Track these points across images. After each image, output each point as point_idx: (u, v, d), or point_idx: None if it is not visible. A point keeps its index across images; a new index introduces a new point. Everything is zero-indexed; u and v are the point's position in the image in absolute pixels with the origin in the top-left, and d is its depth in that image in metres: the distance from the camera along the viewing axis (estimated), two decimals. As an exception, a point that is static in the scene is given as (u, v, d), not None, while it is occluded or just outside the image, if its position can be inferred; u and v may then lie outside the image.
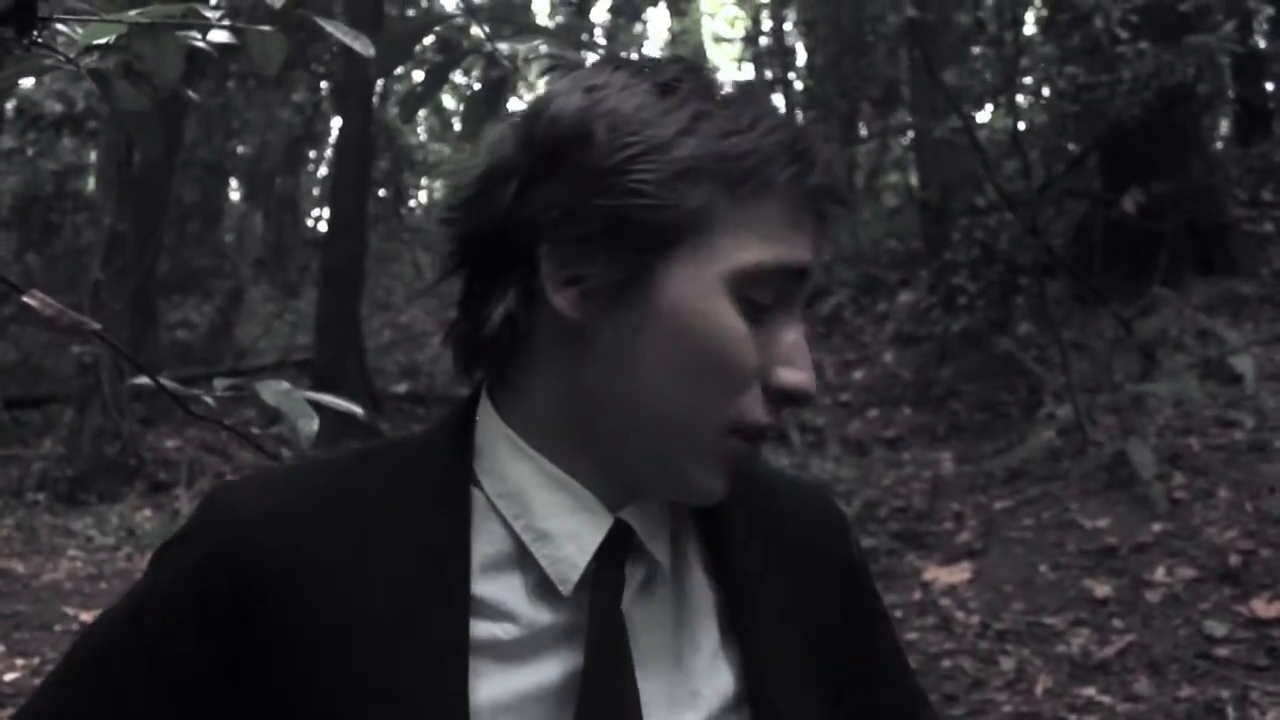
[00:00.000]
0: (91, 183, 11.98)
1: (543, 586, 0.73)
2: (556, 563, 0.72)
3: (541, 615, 0.73)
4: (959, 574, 4.65)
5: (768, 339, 0.71)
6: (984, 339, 7.32)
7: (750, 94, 0.72)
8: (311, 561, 0.70)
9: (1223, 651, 3.55)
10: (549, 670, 0.72)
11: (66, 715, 0.73)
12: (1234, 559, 4.01)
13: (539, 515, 0.73)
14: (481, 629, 0.71)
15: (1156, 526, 4.44)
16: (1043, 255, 6.49)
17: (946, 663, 3.91)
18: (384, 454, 0.77)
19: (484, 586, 0.72)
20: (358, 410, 1.17)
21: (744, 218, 0.69)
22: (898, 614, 4.38)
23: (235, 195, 18.94)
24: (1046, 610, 4.14)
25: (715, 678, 0.77)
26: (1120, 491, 4.84)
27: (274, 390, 1.10)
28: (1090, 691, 3.53)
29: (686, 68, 0.73)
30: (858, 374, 8.64)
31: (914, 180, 11.07)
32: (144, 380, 1.06)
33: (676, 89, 0.70)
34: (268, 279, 15.75)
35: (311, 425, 1.08)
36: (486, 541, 0.73)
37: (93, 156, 11.59)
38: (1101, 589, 4.14)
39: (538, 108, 0.72)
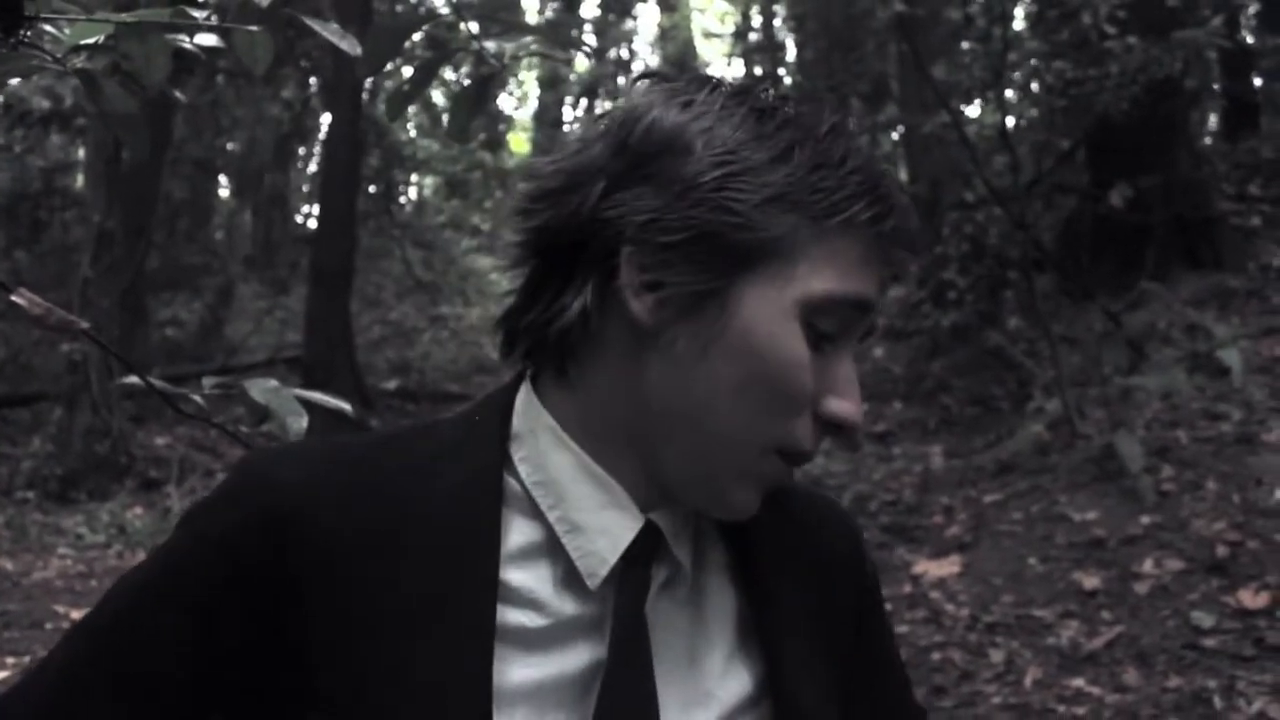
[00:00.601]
0: (80, 180, 11.94)
1: (570, 578, 0.74)
2: (587, 555, 0.74)
3: (567, 606, 0.74)
4: (949, 567, 4.67)
5: (824, 368, 0.73)
6: (974, 333, 7.35)
7: (842, 129, 0.74)
8: (346, 536, 0.71)
9: (1210, 642, 3.58)
10: (571, 661, 0.73)
11: (92, 666, 0.73)
12: (1221, 550, 4.03)
13: (574, 507, 0.74)
14: (509, 615, 0.72)
15: (1145, 519, 4.46)
16: (1031, 250, 6.51)
17: (936, 655, 3.93)
18: (419, 434, 0.78)
19: (513, 573, 0.73)
20: (346, 407, 1.18)
21: (823, 250, 0.71)
22: (888, 607, 4.40)
23: (225, 192, 18.90)
24: (1036, 602, 4.16)
25: (729, 680, 0.78)
26: (1109, 484, 4.86)
27: (262, 388, 1.10)
28: (1079, 682, 3.55)
29: (782, 95, 0.76)
30: (848, 369, 8.64)
31: (903, 175, 11.08)
32: (133, 379, 1.07)
33: (773, 116, 0.73)
34: (257, 276, 15.72)
35: (300, 422, 1.08)
36: (518, 529, 0.75)
37: (81, 153, 11.55)
38: (1090, 581, 4.16)
39: (633, 114, 0.74)
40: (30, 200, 11.77)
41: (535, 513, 0.75)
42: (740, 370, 0.71)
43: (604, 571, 0.74)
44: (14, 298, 0.95)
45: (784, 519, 0.86)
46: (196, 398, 1.08)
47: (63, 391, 7.81)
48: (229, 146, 16.55)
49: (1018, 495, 5.21)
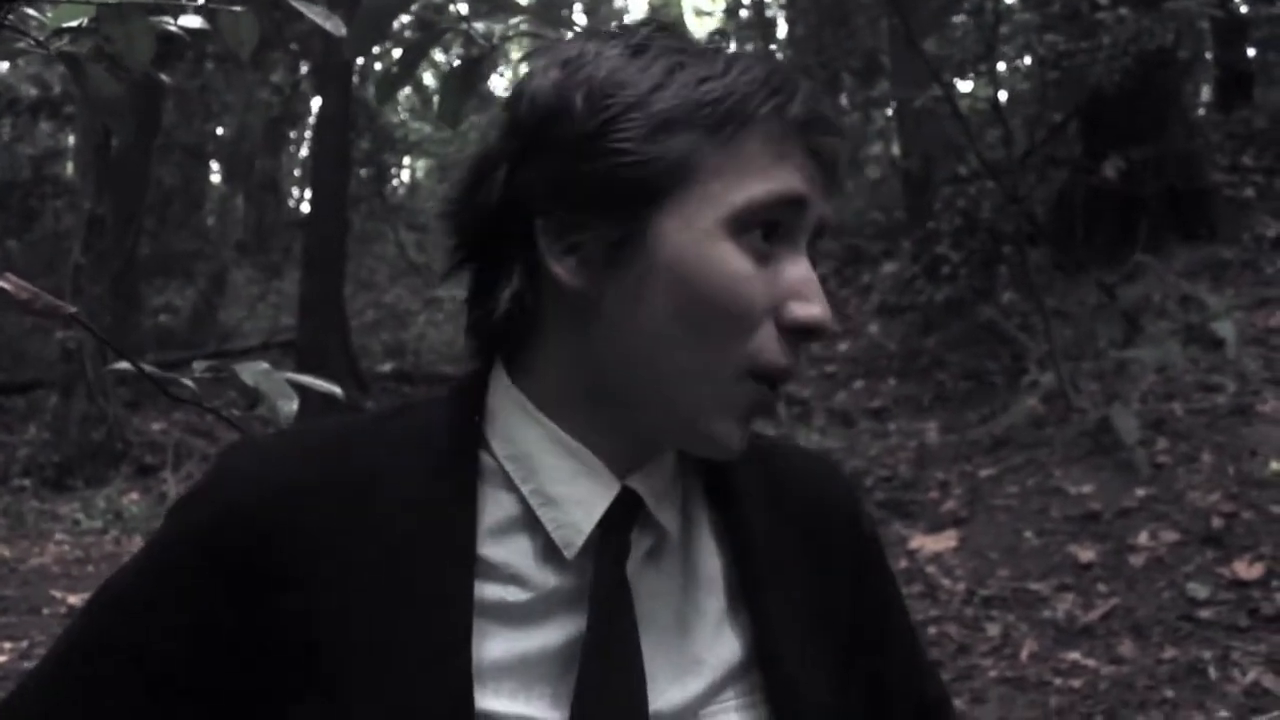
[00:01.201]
0: (70, 167, 11.89)
1: (549, 551, 0.74)
2: (562, 527, 0.73)
3: (548, 579, 0.74)
4: (945, 542, 4.69)
5: (776, 277, 0.71)
6: (967, 308, 7.34)
7: (723, 44, 0.73)
8: (324, 521, 0.71)
9: (1205, 613, 3.59)
10: (554, 634, 0.73)
11: (85, 660, 0.74)
12: (1216, 522, 4.05)
13: (547, 479, 0.74)
14: (489, 591, 0.72)
15: (1140, 491, 4.48)
16: (1025, 223, 6.50)
17: (933, 629, 3.95)
18: (396, 417, 0.78)
19: (492, 549, 0.73)
20: (337, 390, 1.17)
21: (729, 159, 0.70)
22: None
23: (216, 178, 18.81)
24: (1031, 576, 4.18)
25: (719, 646, 0.78)
26: (1104, 457, 4.88)
27: (253, 371, 1.10)
28: (1075, 655, 3.57)
29: (657, 27, 0.74)
30: (843, 345, 8.65)
31: (896, 151, 11.07)
32: (124, 364, 1.06)
33: (648, 48, 0.71)
34: (250, 261, 15.67)
35: (291, 405, 1.08)
36: (495, 504, 0.75)
37: (71, 141, 11.50)
38: (1086, 554, 4.18)
39: (518, 91, 0.73)
40: (20, 188, 11.72)
41: (511, 488, 0.75)
42: (679, 303, 0.69)
43: (580, 541, 0.73)
44: (0, 283, 0.94)
45: (774, 478, 0.85)
46: (187, 381, 1.08)
47: (58, 379, 7.80)
48: (219, 131, 16.46)
49: (1013, 469, 5.22)
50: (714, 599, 0.79)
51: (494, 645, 0.71)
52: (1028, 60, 7.31)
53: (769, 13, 15.50)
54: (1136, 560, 4.02)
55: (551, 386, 0.75)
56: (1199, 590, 3.71)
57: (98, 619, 0.75)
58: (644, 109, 0.69)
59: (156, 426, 8.44)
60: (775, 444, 0.91)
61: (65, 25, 1.08)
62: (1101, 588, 3.94)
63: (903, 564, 4.58)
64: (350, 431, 0.77)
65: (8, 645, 4.27)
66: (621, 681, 0.72)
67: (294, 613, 0.70)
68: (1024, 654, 3.65)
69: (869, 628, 0.87)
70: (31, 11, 1.07)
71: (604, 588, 0.73)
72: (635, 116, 0.69)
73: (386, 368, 10.60)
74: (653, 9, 16.12)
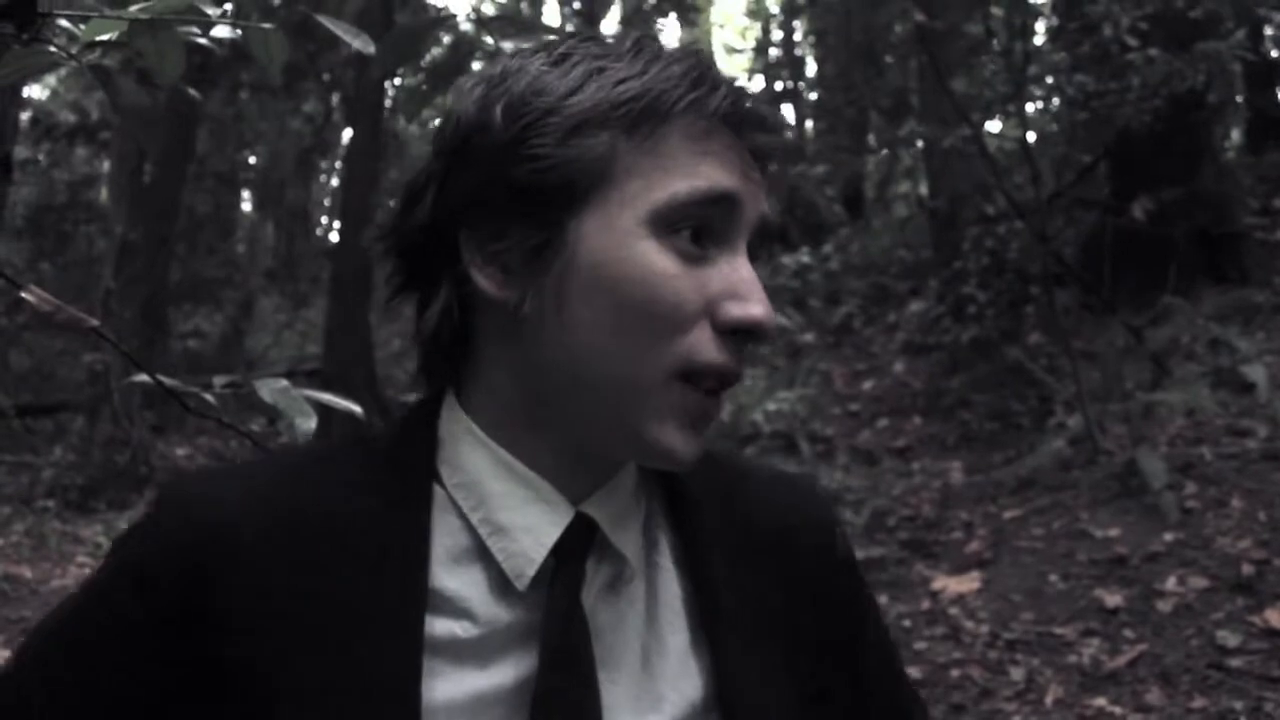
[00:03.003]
0: (104, 193, 12.04)
1: (503, 582, 0.71)
2: (512, 556, 0.71)
3: (501, 613, 0.71)
4: (968, 583, 4.62)
5: (711, 278, 0.69)
6: (994, 348, 7.29)
7: (644, 44, 0.71)
8: (270, 557, 0.68)
9: (1236, 662, 3.52)
10: (507, 671, 0.70)
11: (20, 693, 0.72)
12: (1247, 569, 3.98)
13: (495, 507, 0.72)
14: (440, 626, 0.69)
15: (1168, 536, 4.40)
16: (1052, 264, 6.46)
17: (955, 672, 3.89)
18: (347, 448, 0.76)
19: (445, 581, 0.70)
20: (357, 409, 1.16)
21: (649, 157, 0.68)
22: (906, 624, 4.36)
23: (246, 206, 19.03)
24: (1056, 620, 4.11)
25: (682, 681, 0.74)
26: (1131, 501, 4.81)
27: (271, 388, 1.09)
28: (1101, 702, 3.50)
29: (582, 38, 0.73)
30: (867, 384, 8.61)
31: (923, 190, 11.06)
32: (143, 378, 1.06)
33: (570, 56, 0.70)
34: (278, 289, 15.81)
35: (309, 423, 1.07)
36: (447, 535, 0.72)
37: (106, 167, 11.66)
38: (1112, 599, 4.11)
39: (446, 117, 0.73)
40: (55, 213, 11.89)
41: (463, 518, 0.72)
42: (604, 305, 0.68)
43: (531, 571, 0.70)
44: (23, 294, 0.95)
45: (746, 503, 0.82)
46: (207, 396, 1.07)
47: (84, 401, 7.86)
48: (251, 160, 16.66)
49: (1038, 511, 5.16)
50: (678, 631, 0.76)
51: (445, 684, 0.68)
52: (1056, 101, 7.29)
53: (798, 51, 15.58)
54: (1164, 606, 3.95)
55: (497, 409, 0.73)
56: (1229, 638, 3.63)
57: (36, 652, 0.73)
58: (560, 113, 0.68)
59: (181, 451, 8.48)
60: (750, 466, 0.88)
61: (97, 39, 1.08)
62: (1128, 633, 3.87)
63: (925, 605, 4.52)
64: (299, 465, 0.75)
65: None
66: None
67: (234, 652, 0.67)
68: (1049, 699, 3.58)
69: (845, 656, 0.84)
70: (65, 24, 1.07)
71: (556, 620, 0.70)
72: (551, 121, 0.68)
73: (411, 397, 10.62)
74: (684, 44, 16.23)
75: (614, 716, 0.71)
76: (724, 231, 0.70)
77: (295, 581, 0.68)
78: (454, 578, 0.71)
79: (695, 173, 0.68)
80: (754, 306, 0.69)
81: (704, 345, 0.68)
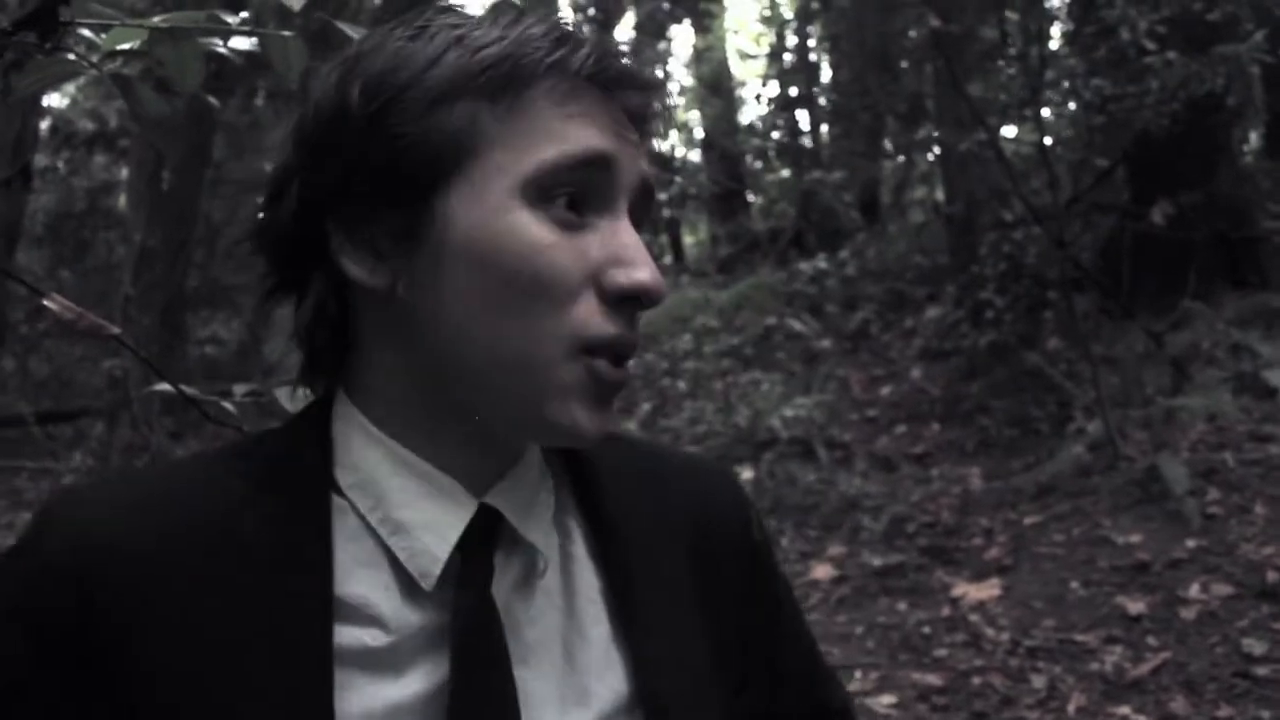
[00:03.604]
0: (123, 200, 12.11)
1: (411, 585, 0.68)
2: (415, 555, 0.68)
3: (411, 617, 0.68)
4: (988, 590, 4.59)
5: (592, 245, 0.66)
6: (1012, 354, 7.25)
7: (504, 9, 0.69)
8: (157, 571, 0.64)
9: (1262, 670, 3.48)
10: (423, 677, 0.67)
11: None
12: (1272, 576, 3.94)
13: (393, 505, 0.68)
14: (348, 635, 0.66)
15: (1191, 542, 4.37)
16: (1071, 269, 6.43)
17: (976, 680, 3.86)
18: (237, 453, 0.72)
19: (350, 588, 0.67)
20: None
21: (514, 125, 0.65)
22: (925, 630, 4.33)
23: (263, 213, 19.13)
24: (1078, 627, 4.07)
25: (608, 673, 0.72)
26: (1152, 507, 4.77)
27: (293, 396, 1.09)
28: (1125, 710, 3.47)
29: (440, 9, 0.70)
30: (885, 390, 8.57)
31: (940, 195, 11.03)
32: (163, 386, 1.06)
33: (427, 29, 0.68)
34: (295, 295, 15.86)
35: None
36: (348, 539, 0.68)
37: (124, 174, 11.73)
38: (1135, 606, 4.07)
39: (304, 108, 0.70)
40: (74, 220, 11.97)
41: (364, 520, 0.69)
42: (481, 284, 0.65)
43: (436, 570, 0.67)
44: (45, 302, 0.95)
45: (659, 489, 0.80)
46: (227, 405, 1.07)
47: (103, 408, 7.90)
48: (268, 167, 16.73)
49: (1058, 518, 5.12)
50: (599, 623, 0.73)
51: (358, 696, 0.65)
52: (1073, 105, 7.26)
53: (813, 57, 15.56)
54: (1188, 613, 3.91)
55: (387, 403, 0.70)
56: (1255, 646, 3.59)
57: None
58: (418, 87, 0.65)
59: (198, 457, 8.51)
60: (663, 452, 0.86)
61: (118, 48, 1.09)
62: (1151, 641, 3.84)
63: (945, 612, 4.49)
64: (186, 474, 0.71)
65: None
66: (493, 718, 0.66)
67: (126, 678, 0.62)
68: (1071, 707, 3.55)
69: (761, 643, 0.82)
70: (87, 33, 1.07)
71: (467, 618, 0.67)
72: (410, 96, 0.65)
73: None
74: (697, 51, 16.24)
75: (538, 713, 0.68)
76: (602, 196, 0.67)
77: (192, 599, 0.64)
78: (359, 584, 0.67)
79: (563, 136, 0.65)
80: (639, 271, 0.66)
81: (593, 318, 0.66)
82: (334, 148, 0.66)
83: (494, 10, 0.69)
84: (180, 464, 0.73)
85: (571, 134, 0.65)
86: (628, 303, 0.66)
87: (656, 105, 0.71)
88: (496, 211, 0.65)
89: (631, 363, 0.69)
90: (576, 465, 0.78)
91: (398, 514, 0.68)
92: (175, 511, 0.67)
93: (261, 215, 0.72)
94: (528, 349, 0.65)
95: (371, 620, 0.67)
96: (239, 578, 0.65)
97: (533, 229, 0.65)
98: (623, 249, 0.66)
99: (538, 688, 0.69)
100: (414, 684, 0.67)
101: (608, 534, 0.76)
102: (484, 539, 0.69)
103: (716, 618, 0.78)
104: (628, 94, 0.68)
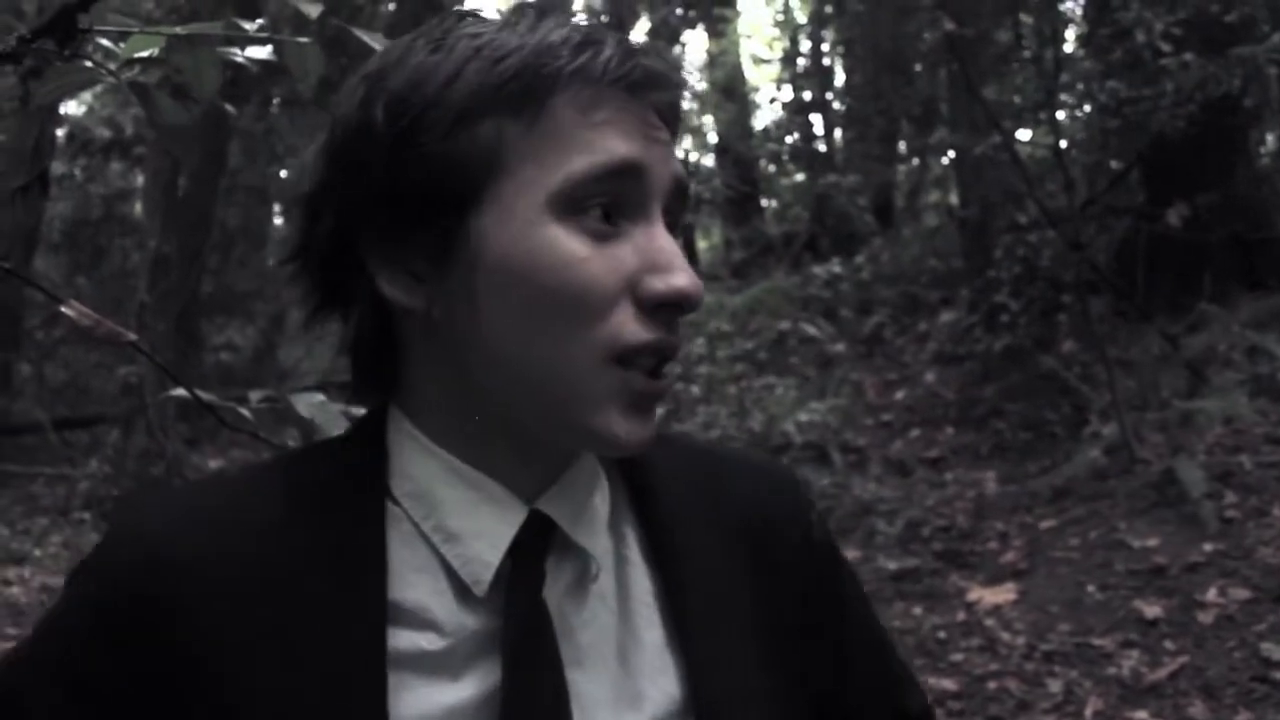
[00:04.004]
0: (139, 207, 12.18)
1: (463, 591, 0.69)
2: (468, 562, 0.68)
3: (466, 622, 0.68)
4: (1004, 594, 4.58)
5: (627, 253, 0.66)
6: (1027, 357, 7.22)
7: (522, 14, 0.68)
8: (218, 577, 0.66)
9: None
10: (476, 681, 0.67)
11: None
12: (1289, 580, 3.91)
13: (446, 513, 0.69)
14: (403, 639, 0.67)
15: (1208, 546, 4.34)
16: (1086, 272, 6.40)
17: (992, 684, 3.84)
18: (296, 462, 0.74)
19: (405, 593, 0.68)
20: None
21: (540, 138, 0.65)
22: (941, 635, 4.32)
23: (278, 219, 19.18)
24: (1094, 631, 4.05)
25: (661, 677, 0.72)
26: (1169, 510, 4.75)
27: (308, 402, 1.09)
28: (1142, 714, 3.45)
29: (460, 17, 0.69)
30: (899, 394, 8.55)
31: (954, 199, 11.01)
32: (180, 391, 1.06)
33: (447, 39, 0.67)
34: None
35: (347, 436, 1.07)
36: (403, 546, 0.69)
37: (140, 181, 11.80)
38: (1151, 610, 4.05)
39: (330, 128, 0.70)
40: (91, 227, 12.04)
41: (418, 528, 0.70)
42: (517, 300, 0.65)
43: (488, 576, 0.68)
44: (63, 309, 0.95)
45: (717, 492, 0.79)
46: (243, 411, 1.08)
47: (119, 414, 7.94)
48: (283, 174, 16.79)
49: (1074, 521, 5.10)
50: (652, 625, 0.74)
51: (413, 699, 0.66)
52: (1088, 108, 7.23)
53: (826, 61, 15.55)
54: (1205, 618, 3.89)
55: (437, 414, 0.70)
56: (1273, 650, 3.57)
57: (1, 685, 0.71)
58: (441, 105, 0.64)
59: (214, 463, 8.54)
60: (722, 453, 0.86)
61: (136, 56, 1.09)
62: (1169, 645, 3.82)
63: (961, 616, 4.48)
64: (249, 483, 0.72)
65: (62, 676, 4.31)
66: None
67: (195, 681, 0.65)
68: (1088, 712, 3.54)
69: (826, 643, 0.81)
70: (105, 42, 1.08)
71: (518, 622, 0.68)
72: (433, 115, 0.64)
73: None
74: (711, 56, 16.24)
75: (592, 715, 0.69)
76: (634, 203, 0.66)
77: (251, 602, 0.66)
78: (414, 589, 0.68)
79: (591, 146, 0.64)
80: (676, 277, 0.65)
81: (626, 326, 0.65)
82: (361, 167, 0.66)
83: (514, 12, 0.68)
84: (241, 472, 0.74)
85: (599, 143, 0.65)
86: (666, 309, 0.66)
87: (684, 100, 0.71)
88: (528, 227, 0.64)
89: (672, 367, 0.69)
90: (631, 469, 0.78)
91: (450, 522, 0.69)
92: (236, 518, 0.69)
93: (300, 234, 0.72)
94: (563, 362, 0.65)
95: (426, 624, 0.68)
96: (297, 582, 0.67)
97: (565, 243, 0.64)
98: (658, 254, 0.66)
99: (591, 690, 0.70)
100: (468, 687, 0.67)
101: (662, 538, 0.76)
102: (535, 545, 0.70)
103: (775, 620, 0.77)
104: (654, 93, 0.68)
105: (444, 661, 0.67)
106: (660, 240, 0.66)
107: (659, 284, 0.65)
